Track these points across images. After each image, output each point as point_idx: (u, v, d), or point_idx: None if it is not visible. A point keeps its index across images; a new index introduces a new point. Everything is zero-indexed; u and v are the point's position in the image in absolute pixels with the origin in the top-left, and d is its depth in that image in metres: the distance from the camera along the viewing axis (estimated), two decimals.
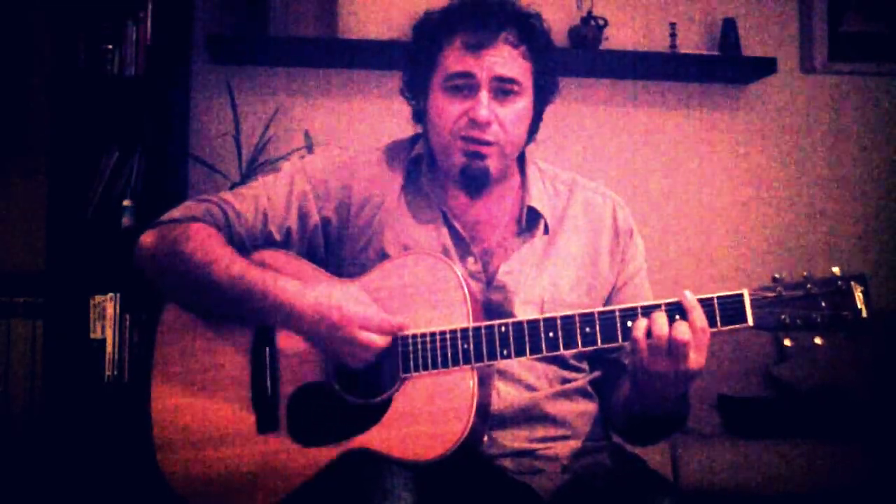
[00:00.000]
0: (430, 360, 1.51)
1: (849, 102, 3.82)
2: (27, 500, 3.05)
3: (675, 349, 1.43)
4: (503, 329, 1.51)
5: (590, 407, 1.70)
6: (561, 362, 1.66)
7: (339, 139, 3.48)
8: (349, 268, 1.66)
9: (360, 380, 1.56)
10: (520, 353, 1.50)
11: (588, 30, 3.51)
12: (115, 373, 3.11)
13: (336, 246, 1.69)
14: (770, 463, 2.89)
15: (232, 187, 3.11)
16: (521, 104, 1.63)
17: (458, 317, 1.52)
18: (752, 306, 1.44)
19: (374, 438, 1.50)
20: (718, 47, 3.63)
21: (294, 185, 1.70)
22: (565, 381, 1.67)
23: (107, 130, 3.24)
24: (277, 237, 1.68)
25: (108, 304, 3.12)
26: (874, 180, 3.82)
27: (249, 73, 3.53)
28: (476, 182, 1.64)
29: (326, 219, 1.69)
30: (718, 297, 1.45)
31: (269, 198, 1.69)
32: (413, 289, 1.56)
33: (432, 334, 1.52)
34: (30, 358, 3.24)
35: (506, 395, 1.61)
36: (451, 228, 1.67)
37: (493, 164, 1.63)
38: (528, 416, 1.62)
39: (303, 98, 3.56)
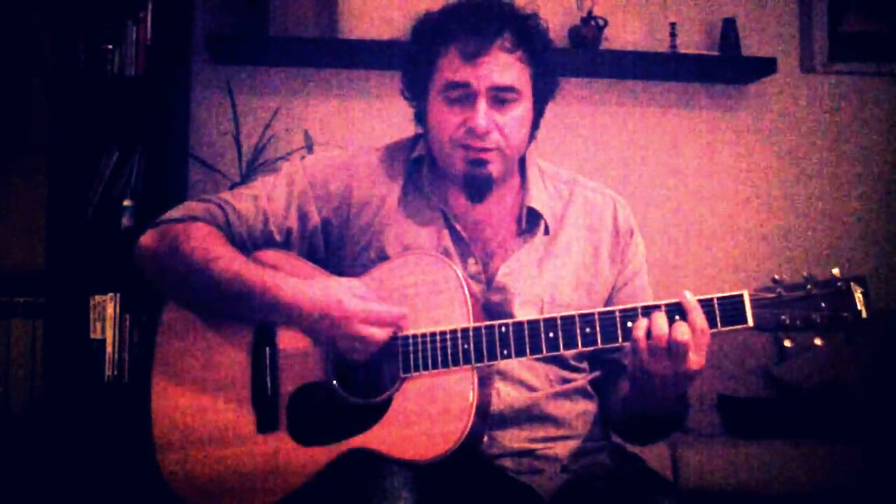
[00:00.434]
0: (430, 360, 1.51)
1: (849, 102, 3.83)
2: (27, 500, 3.05)
3: (674, 350, 1.43)
4: (503, 329, 1.50)
5: (590, 407, 1.70)
6: (561, 362, 1.66)
7: (339, 139, 3.48)
8: (349, 268, 1.66)
9: (360, 379, 1.56)
10: (520, 353, 1.50)
11: (588, 30, 3.51)
12: (115, 373, 3.11)
13: (336, 246, 1.69)
14: (770, 463, 2.89)
15: (232, 187, 3.11)
16: (520, 110, 1.62)
17: (459, 317, 1.52)
18: (753, 307, 1.44)
19: (375, 438, 1.49)
20: (718, 47, 3.63)
21: (294, 186, 1.70)
22: (565, 381, 1.67)
23: (107, 130, 3.24)
24: (278, 238, 1.68)
25: (108, 304, 3.13)
26: (874, 180, 3.82)
27: (249, 72, 3.53)
28: (479, 187, 1.63)
29: (326, 219, 1.69)
30: (718, 298, 1.45)
31: (269, 198, 1.68)
32: (413, 289, 1.56)
33: (432, 334, 1.52)
34: (30, 358, 3.24)
35: (506, 395, 1.61)
36: (451, 230, 1.67)
37: (495, 169, 1.62)
38: (529, 416, 1.62)
39: (303, 98, 3.56)
